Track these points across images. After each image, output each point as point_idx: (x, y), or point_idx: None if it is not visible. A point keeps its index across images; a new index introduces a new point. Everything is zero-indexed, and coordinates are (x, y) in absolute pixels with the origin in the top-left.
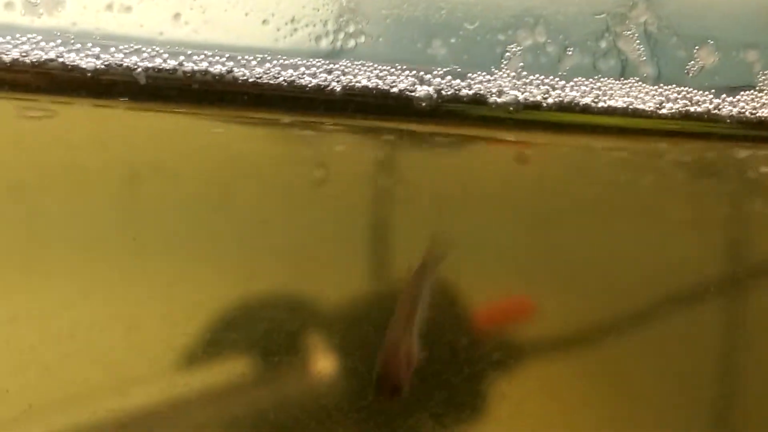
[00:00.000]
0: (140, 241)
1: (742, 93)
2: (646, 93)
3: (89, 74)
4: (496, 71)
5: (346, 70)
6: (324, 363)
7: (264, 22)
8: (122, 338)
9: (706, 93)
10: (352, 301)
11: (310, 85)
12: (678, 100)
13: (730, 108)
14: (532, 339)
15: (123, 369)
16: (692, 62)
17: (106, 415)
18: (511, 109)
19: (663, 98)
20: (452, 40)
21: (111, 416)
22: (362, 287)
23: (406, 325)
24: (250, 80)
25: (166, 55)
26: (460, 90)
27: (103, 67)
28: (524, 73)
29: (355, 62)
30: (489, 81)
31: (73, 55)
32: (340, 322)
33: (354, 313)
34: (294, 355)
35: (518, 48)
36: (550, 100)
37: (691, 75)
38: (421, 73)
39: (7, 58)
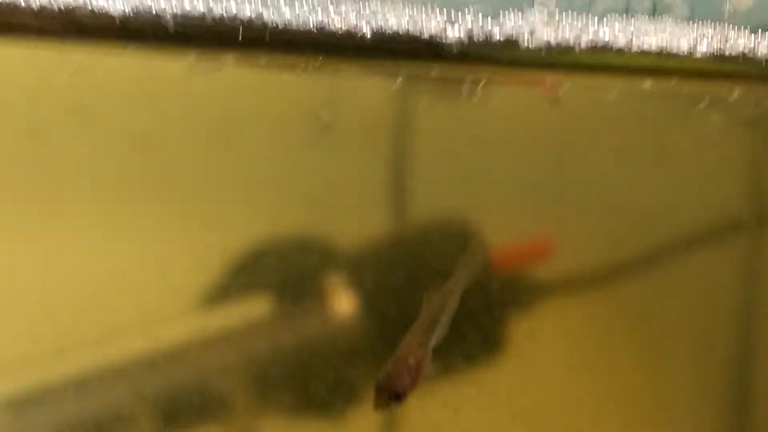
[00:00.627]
0: (169, 186)
1: None
2: (681, 33)
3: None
4: (529, 11)
5: (375, 11)
6: (343, 304)
7: None
8: (150, 281)
9: (742, 33)
10: (372, 243)
11: (340, 31)
12: (713, 40)
13: (766, 50)
14: (551, 279)
15: (150, 310)
16: (727, 3)
17: (134, 356)
18: (543, 50)
19: (698, 38)
20: None
21: (139, 356)
22: (382, 229)
23: (422, 338)
24: (280, 26)
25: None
26: (491, 32)
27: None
28: (557, 13)
29: (385, 4)
30: (521, 22)
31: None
32: (360, 263)
33: (373, 255)
34: (314, 296)
35: None
36: (582, 41)
37: (726, 15)
38: (452, 14)
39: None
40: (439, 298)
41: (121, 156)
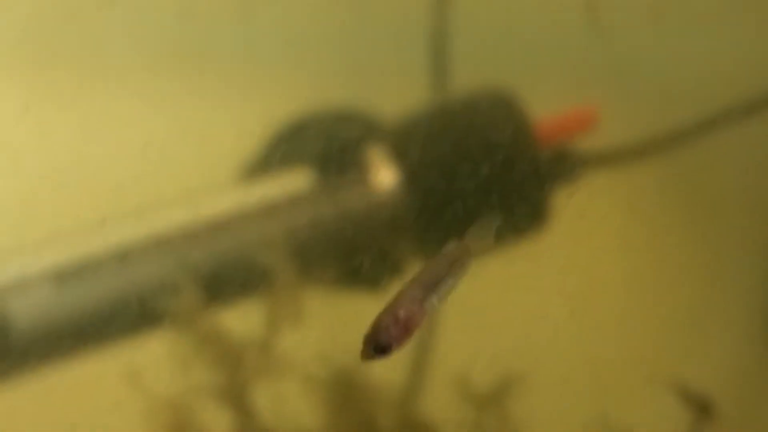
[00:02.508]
0: (209, 56)
1: None
2: None
3: None
4: None
5: None
6: (386, 176)
7: None
8: (191, 152)
9: None
10: (415, 113)
11: None
12: None
13: None
14: (597, 150)
15: (191, 182)
16: None
17: (175, 227)
18: None
19: None
20: None
21: (180, 228)
22: (424, 99)
23: (418, 294)
24: None
25: None
26: None
27: None
28: None
29: None
30: None
31: None
32: (403, 134)
33: (416, 125)
34: (356, 168)
35: None
36: None
37: None
38: None
39: None
40: (448, 258)
41: (160, 23)
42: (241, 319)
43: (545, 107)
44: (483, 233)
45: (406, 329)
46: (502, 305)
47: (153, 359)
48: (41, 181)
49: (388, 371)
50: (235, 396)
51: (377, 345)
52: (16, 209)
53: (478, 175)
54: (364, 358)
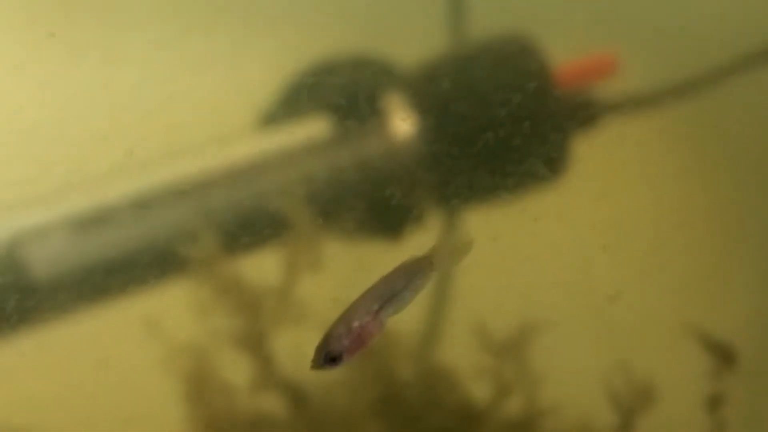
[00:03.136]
0: (225, 2)
1: None
2: None
3: None
4: None
5: None
6: (402, 122)
7: None
8: (209, 99)
9: None
10: (432, 61)
11: None
12: None
13: None
14: (614, 96)
15: (209, 129)
16: None
17: (194, 174)
18: None
19: None
20: None
21: (199, 175)
22: (441, 46)
23: (373, 305)
24: None
25: None
26: None
27: None
28: None
29: None
30: None
31: None
32: (420, 82)
33: (433, 73)
34: (373, 116)
35: None
36: None
37: None
38: None
39: None
40: (407, 271)
41: None
42: (260, 267)
43: (565, 53)
44: (445, 249)
45: (359, 340)
46: (521, 252)
47: (172, 306)
48: (61, 127)
49: (407, 319)
50: (254, 343)
51: (328, 354)
52: (34, 157)
53: (498, 122)
54: (314, 366)
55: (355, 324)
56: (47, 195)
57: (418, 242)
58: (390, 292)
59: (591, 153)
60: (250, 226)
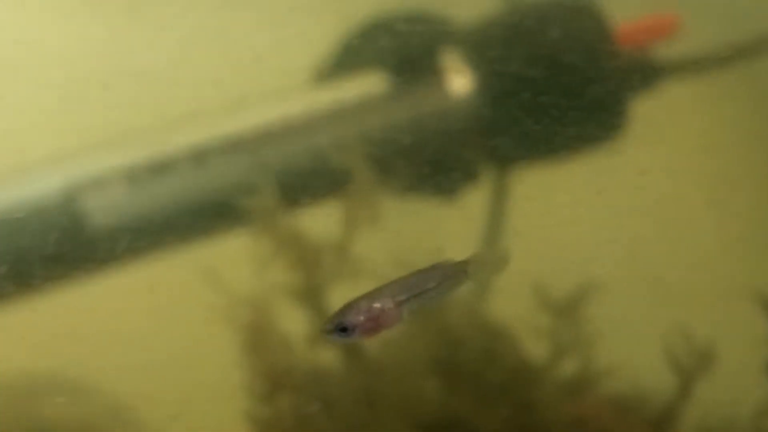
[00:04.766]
0: None
1: None
2: None
3: None
4: None
5: None
6: (458, 80)
7: None
8: (264, 54)
9: None
10: (489, 18)
11: None
12: None
13: None
14: (674, 57)
15: (265, 84)
16: None
17: (251, 128)
18: None
19: None
20: None
21: (256, 129)
22: (497, 4)
23: (397, 294)
24: None
25: None
26: None
27: None
28: None
29: None
30: None
31: None
32: (477, 39)
33: (491, 30)
34: (429, 73)
35: None
36: None
37: None
38: None
39: None
40: (440, 273)
41: None
42: (318, 221)
43: (625, 13)
44: (483, 259)
45: (375, 322)
46: (583, 208)
47: (232, 258)
48: (118, 81)
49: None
50: (311, 296)
51: (341, 323)
52: (92, 108)
53: (555, 81)
54: (323, 330)
55: (377, 305)
56: (104, 146)
57: (473, 199)
58: (419, 287)
59: (648, 114)
60: (309, 181)
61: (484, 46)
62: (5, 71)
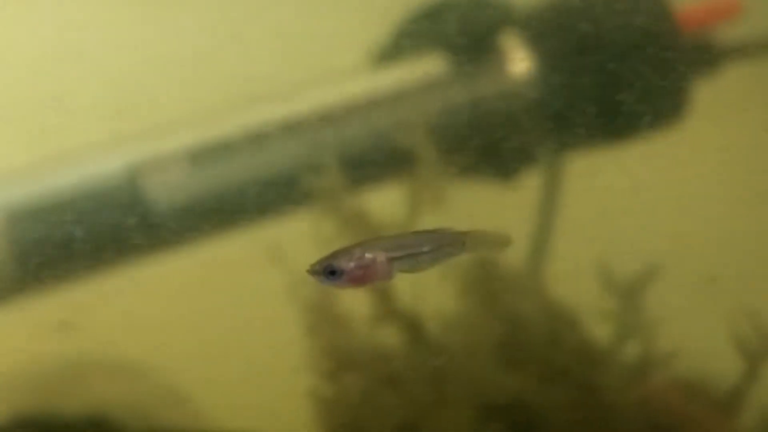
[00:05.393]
0: None
1: None
2: None
3: None
4: None
5: None
6: (519, 62)
7: None
8: (324, 36)
9: None
10: (549, 2)
11: None
12: None
13: None
14: (738, 40)
15: (325, 66)
16: None
17: (311, 110)
18: None
19: None
20: None
21: (316, 110)
22: None
23: (393, 252)
24: None
25: None
26: None
27: None
28: None
29: None
30: None
31: None
32: (536, 19)
33: (550, 11)
34: (490, 55)
35: None
36: None
37: None
38: None
39: None
40: (437, 239)
41: None
42: (382, 202)
43: None
44: (483, 236)
45: (363, 273)
46: (644, 192)
47: (295, 238)
48: (178, 68)
49: (527, 257)
50: None
51: (329, 266)
52: (155, 92)
53: (616, 63)
54: (311, 270)
55: (369, 256)
56: (166, 127)
57: (530, 183)
58: (414, 248)
59: (710, 97)
60: (372, 162)
61: (545, 28)
62: (69, 56)
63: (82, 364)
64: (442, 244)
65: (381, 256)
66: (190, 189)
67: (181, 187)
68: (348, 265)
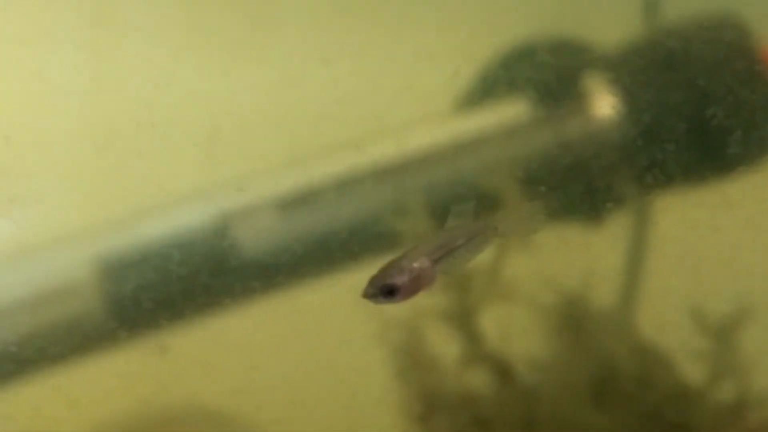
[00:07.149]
0: None
1: None
2: None
3: None
4: None
5: None
6: (603, 105)
7: None
8: (401, 85)
9: None
10: (631, 42)
11: None
12: None
13: None
14: None
15: (404, 115)
16: None
17: (392, 157)
18: None
19: None
20: None
21: (397, 158)
22: (641, 29)
23: (431, 252)
24: None
25: None
26: None
27: None
28: None
29: None
30: None
31: None
32: (620, 63)
33: (633, 54)
34: (573, 98)
35: None
36: None
37: None
38: None
39: None
40: (468, 232)
41: None
42: None
43: None
44: (514, 218)
45: (416, 281)
46: (731, 234)
47: None
48: (263, 116)
49: (614, 299)
50: (462, 319)
51: (386, 286)
52: (243, 139)
53: (700, 104)
54: (367, 293)
55: (416, 265)
56: (251, 176)
57: (619, 224)
58: (450, 245)
59: None
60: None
61: (629, 69)
62: (156, 109)
63: (172, 412)
64: (474, 234)
65: (425, 262)
66: (279, 237)
67: (270, 235)
68: (402, 279)
